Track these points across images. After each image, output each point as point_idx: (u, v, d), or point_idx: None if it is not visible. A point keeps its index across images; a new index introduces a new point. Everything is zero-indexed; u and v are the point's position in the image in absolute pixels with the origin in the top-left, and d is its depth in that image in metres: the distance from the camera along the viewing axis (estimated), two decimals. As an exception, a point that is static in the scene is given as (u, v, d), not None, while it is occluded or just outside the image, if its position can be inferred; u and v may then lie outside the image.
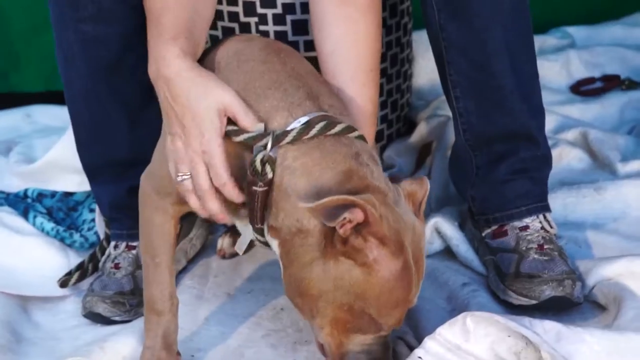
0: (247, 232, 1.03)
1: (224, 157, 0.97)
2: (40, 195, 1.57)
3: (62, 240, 1.46)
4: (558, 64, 2.06)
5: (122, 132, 1.28)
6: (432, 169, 1.64)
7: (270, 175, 0.95)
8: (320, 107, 1.00)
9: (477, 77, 1.21)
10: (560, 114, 1.80)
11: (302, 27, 1.49)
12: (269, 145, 0.95)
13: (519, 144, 1.26)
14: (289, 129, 0.96)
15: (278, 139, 0.95)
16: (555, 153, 1.61)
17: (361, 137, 1.00)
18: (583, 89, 1.98)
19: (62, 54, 1.25)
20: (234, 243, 1.46)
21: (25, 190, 1.59)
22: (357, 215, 0.88)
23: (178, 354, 1.11)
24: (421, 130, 1.74)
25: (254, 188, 0.96)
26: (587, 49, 2.12)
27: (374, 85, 1.14)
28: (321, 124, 0.96)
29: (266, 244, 1.01)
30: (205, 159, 0.97)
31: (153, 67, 1.03)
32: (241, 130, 0.97)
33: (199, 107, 0.97)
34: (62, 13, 1.22)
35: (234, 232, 1.47)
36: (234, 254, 1.45)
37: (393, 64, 1.71)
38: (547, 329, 0.97)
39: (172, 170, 1.01)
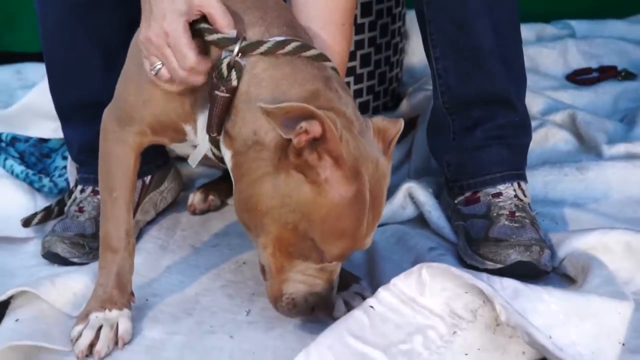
0: (203, 142, 1.01)
1: (188, 37, 0.93)
2: (14, 139, 1.56)
3: (31, 184, 1.44)
4: (555, 52, 2.03)
5: (96, 72, 1.25)
6: (414, 141, 1.61)
7: (234, 83, 0.93)
8: (297, 35, 0.99)
9: (457, 36, 1.19)
10: (551, 97, 1.77)
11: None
12: (236, 50, 0.93)
13: (497, 110, 1.23)
14: (263, 39, 0.95)
15: (250, 47, 0.94)
16: (541, 133, 1.59)
17: (334, 69, 0.99)
18: (579, 78, 1.95)
19: None
20: (205, 199, 1.44)
21: (0, 134, 1.57)
22: (315, 128, 0.86)
23: (132, 294, 1.08)
24: (407, 104, 1.72)
25: (216, 92, 0.93)
26: (586, 40, 2.09)
27: (344, 40, 1.12)
28: (296, 44, 0.95)
29: (220, 159, 0.99)
30: (170, 42, 0.93)
31: None
32: (214, 30, 0.95)
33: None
34: None
35: (206, 189, 1.45)
36: (205, 210, 1.43)
37: (383, 34, 1.69)
38: (504, 285, 0.94)
39: (146, 67, 0.97)
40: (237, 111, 0.94)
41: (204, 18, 0.95)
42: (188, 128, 1.02)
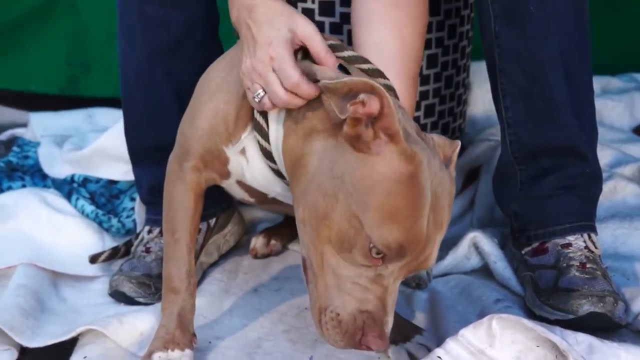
0: (256, 163, 1.02)
1: (292, 60, 0.94)
2: (86, 180, 1.61)
3: (100, 223, 1.48)
4: (622, 105, 2.00)
5: (171, 117, 1.28)
6: (477, 192, 1.59)
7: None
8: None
9: (529, 86, 1.18)
10: (619, 150, 1.73)
11: (330, 8, 1.50)
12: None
13: (567, 160, 1.21)
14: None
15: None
16: (609, 186, 1.55)
17: (392, 89, 1.01)
18: (646, 131, 1.91)
19: (122, 34, 1.28)
20: (267, 243, 1.45)
21: (73, 175, 1.63)
22: (373, 103, 0.83)
23: (194, 335, 1.08)
24: (470, 154, 1.71)
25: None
26: (654, 93, 2.05)
27: (413, 92, 1.13)
28: (365, 62, 1.01)
29: (276, 171, 0.99)
30: (274, 65, 0.94)
31: (235, 10, 1.02)
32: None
33: (273, 24, 0.96)
34: None
35: (268, 233, 1.46)
36: (266, 255, 1.44)
37: (447, 85, 1.70)
38: (579, 340, 0.91)
39: (249, 97, 0.98)
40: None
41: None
42: (231, 151, 1.02)
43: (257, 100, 0.97)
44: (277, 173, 1.00)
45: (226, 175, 1.06)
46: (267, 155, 0.99)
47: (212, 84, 1.05)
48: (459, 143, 0.97)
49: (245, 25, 0.99)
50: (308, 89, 0.93)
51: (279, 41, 0.95)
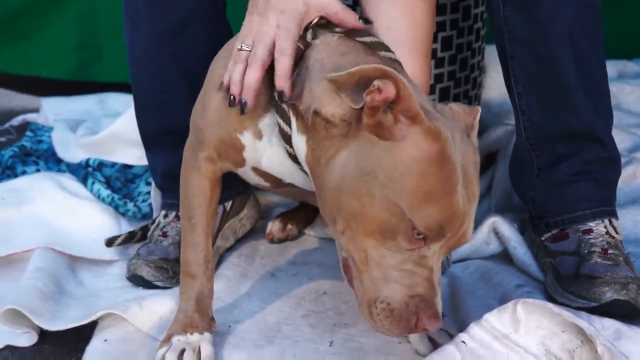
0: (272, 144, 1.00)
1: (295, 37, 0.95)
2: (101, 165, 1.60)
3: (116, 208, 1.48)
4: (638, 89, 1.98)
5: (180, 100, 1.27)
6: (494, 178, 1.58)
7: (309, 38, 0.96)
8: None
9: (540, 71, 1.17)
10: (637, 134, 1.71)
11: None
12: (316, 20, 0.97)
13: (582, 144, 1.20)
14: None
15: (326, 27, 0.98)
16: (629, 171, 1.53)
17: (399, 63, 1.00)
18: (663, 116, 1.89)
19: (128, 16, 1.27)
20: (283, 228, 1.44)
21: (87, 160, 1.62)
22: (388, 88, 0.82)
23: (212, 319, 1.08)
24: (486, 139, 1.69)
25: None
26: (671, 78, 2.03)
27: (427, 69, 1.11)
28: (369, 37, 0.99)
29: (294, 158, 0.97)
30: (278, 33, 0.95)
31: None
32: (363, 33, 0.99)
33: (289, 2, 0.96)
34: None
35: (284, 217, 1.46)
36: (283, 239, 1.44)
37: (462, 68, 1.68)
38: (606, 326, 0.90)
39: (236, 46, 0.98)
40: (305, 81, 0.93)
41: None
42: (247, 137, 1.01)
43: (238, 49, 0.97)
44: (294, 159, 0.99)
45: (241, 163, 1.05)
46: (287, 139, 0.98)
47: (221, 71, 1.03)
48: (479, 109, 0.96)
49: None
50: (286, 64, 0.94)
51: (291, 12, 0.95)
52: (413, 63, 1.06)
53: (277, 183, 1.09)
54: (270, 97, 0.98)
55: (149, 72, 1.28)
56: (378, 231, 0.85)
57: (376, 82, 0.82)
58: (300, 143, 0.95)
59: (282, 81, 0.95)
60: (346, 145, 0.87)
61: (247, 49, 0.97)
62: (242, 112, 0.97)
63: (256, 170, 1.06)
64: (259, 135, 1.01)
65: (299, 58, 0.95)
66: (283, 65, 0.95)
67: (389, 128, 0.84)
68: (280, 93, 0.95)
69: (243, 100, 0.96)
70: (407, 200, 0.83)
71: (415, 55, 1.08)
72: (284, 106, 0.96)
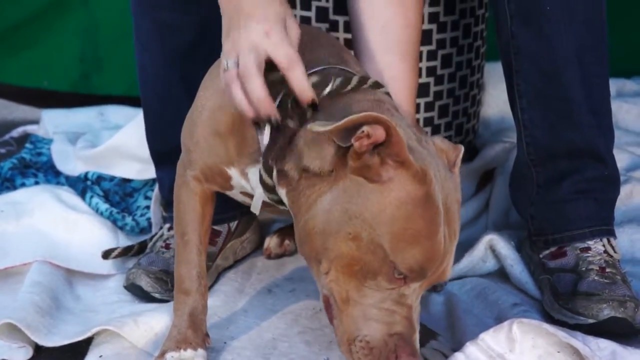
0: (258, 188, 0.99)
1: (289, 42, 0.90)
2: (100, 178, 1.61)
3: (114, 222, 1.48)
4: (637, 108, 1.99)
5: None
6: (492, 195, 1.58)
7: (308, 115, 0.91)
8: (350, 68, 1.00)
9: (545, 87, 1.17)
10: (635, 154, 1.72)
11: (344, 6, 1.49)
12: (328, 90, 0.92)
13: (584, 162, 1.20)
14: (327, 81, 0.93)
15: (319, 86, 0.93)
16: (626, 190, 1.54)
17: (387, 94, 0.98)
18: (661, 135, 1.89)
19: (138, 40, 1.29)
20: (281, 243, 1.44)
21: (86, 173, 1.62)
22: (378, 132, 0.82)
23: (207, 335, 1.08)
24: (484, 156, 1.69)
25: (288, 121, 0.91)
26: (669, 96, 2.04)
27: (415, 73, 1.13)
28: (356, 80, 0.94)
29: (278, 202, 0.96)
30: (272, 42, 0.89)
31: None
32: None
33: (269, 8, 0.91)
34: (140, 0, 1.25)
35: (281, 233, 1.46)
36: (280, 255, 1.44)
37: (462, 85, 1.69)
38: (601, 346, 0.90)
39: (221, 68, 0.94)
40: (291, 146, 0.91)
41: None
42: (233, 171, 1.01)
43: (224, 68, 0.92)
44: (279, 202, 0.99)
45: (229, 188, 1.06)
46: (270, 190, 0.96)
47: (204, 99, 1.02)
48: (462, 148, 0.96)
49: (232, 3, 0.94)
50: (298, 75, 0.89)
51: (276, 18, 0.91)
52: (404, 67, 1.08)
53: (265, 205, 1.09)
54: (258, 152, 0.96)
55: (160, 93, 1.29)
56: (360, 271, 0.85)
57: (365, 128, 0.82)
58: (281, 194, 0.95)
59: (307, 92, 0.90)
60: (329, 189, 0.87)
61: (233, 66, 0.92)
62: (277, 125, 0.92)
63: (245, 194, 1.07)
64: (245, 177, 1.01)
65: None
66: (299, 75, 0.90)
67: (376, 170, 0.84)
68: (314, 104, 0.91)
69: (266, 117, 0.92)
70: (391, 242, 0.84)
71: (408, 59, 1.10)
72: (270, 162, 0.94)
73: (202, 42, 1.24)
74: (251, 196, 1.06)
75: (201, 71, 1.23)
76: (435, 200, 0.85)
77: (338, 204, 0.85)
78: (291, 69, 0.90)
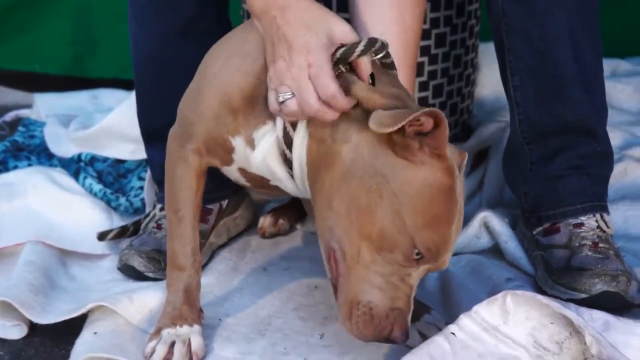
0: (264, 145, 0.99)
1: (331, 69, 0.91)
2: (93, 159, 1.60)
3: (108, 202, 1.48)
4: (631, 87, 1.99)
5: None
6: (486, 174, 1.58)
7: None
8: None
9: (537, 64, 1.17)
10: (628, 132, 1.72)
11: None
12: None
13: (577, 138, 1.20)
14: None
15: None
16: (620, 168, 1.54)
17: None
18: (655, 114, 1.90)
19: (133, 17, 1.27)
20: (275, 223, 1.44)
21: (80, 154, 1.62)
22: (428, 123, 0.86)
23: (201, 311, 1.08)
24: (479, 135, 1.70)
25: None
26: (663, 76, 2.04)
27: (412, 80, 1.13)
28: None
29: (284, 158, 0.98)
30: (312, 72, 0.91)
31: (260, 2, 0.96)
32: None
33: (311, 29, 0.92)
34: None
35: (275, 212, 1.46)
36: (274, 234, 1.44)
37: (456, 65, 1.68)
38: (594, 317, 0.90)
39: (271, 99, 0.95)
40: None
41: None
42: (238, 141, 1.01)
43: (280, 100, 0.93)
44: (289, 164, 0.99)
45: (229, 162, 1.05)
46: (288, 143, 0.97)
47: (215, 68, 1.02)
48: (466, 154, 1.00)
49: (275, 25, 0.95)
50: (343, 102, 0.91)
51: (318, 48, 0.91)
52: (400, 74, 1.06)
53: (259, 184, 1.09)
54: (266, 114, 0.97)
55: (154, 71, 1.28)
56: (377, 237, 0.87)
57: (422, 118, 0.86)
58: (304, 137, 0.95)
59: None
60: (360, 127, 0.90)
61: (288, 96, 0.93)
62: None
63: (242, 171, 1.06)
64: (251, 144, 1.00)
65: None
66: (340, 104, 0.92)
67: (412, 151, 0.88)
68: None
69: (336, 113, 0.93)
70: (412, 217, 0.86)
71: (403, 66, 1.09)
72: (289, 129, 0.96)
73: (199, 20, 1.23)
74: (248, 175, 1.05)
75: (197, 48, 1.22)
76: (456, 194, 0.89)
77: (364, 151, 0.88)
78: (331, 100, 0.91)
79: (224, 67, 1.01)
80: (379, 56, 0.96)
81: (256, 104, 0.98)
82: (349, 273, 0.89)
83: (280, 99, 0.93)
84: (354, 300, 0.89)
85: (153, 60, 1.27)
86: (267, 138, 0.99)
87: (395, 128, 0.85)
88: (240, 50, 1.00)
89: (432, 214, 0.87)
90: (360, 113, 0.91)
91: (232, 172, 1.08)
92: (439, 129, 0.87)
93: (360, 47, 0.93)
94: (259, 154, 1.00)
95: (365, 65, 0.94)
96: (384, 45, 0.96)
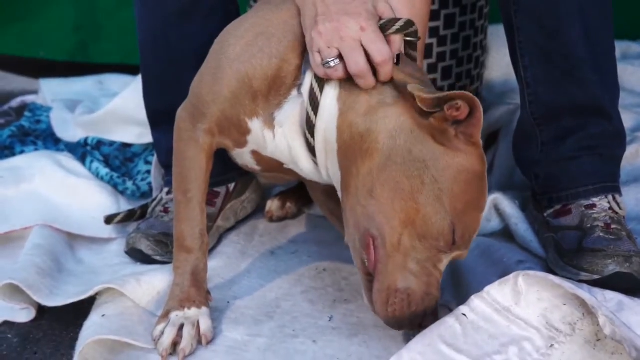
0: (285, 128, 1.00)
1: (383, 35, 0.94)
2: (100, 143, 1.59)
3: (115, 186, 1.47)
4: (641, 70, 1.96)
5: (189, 79, 1.23)
6: (496, 156, 1.57)
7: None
8: None
9: (547, 43, 1.15)
10: (639, 114, 1.70)
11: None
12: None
13: (589, 119, 1.18)
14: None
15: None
16: (631, 150, 1.52)
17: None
18: (667, 96, 1.87)
19: None
20: (282, 206, 1.43)
21: (86, 138, 1.61)
22: (465, 110, 0.88)
23: (208, 293, 1.07)
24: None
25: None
26: (674, 58, 2.01)
27: (420, 64, 1.12)
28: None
29: (310, 148, 0.98)
30: (366, 36, 0.93)
31: None
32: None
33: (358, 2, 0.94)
34: None
35: (283, 196, 1.45)
36: (282, 218, 1.43)
37: (465, 46, 1.66)
38: (608, 298, 0.89)
39: (316, 60, 0.95)
40: None
41: None
42: (255, 123, 1.00)
43: (329, 65, 0.94)
44: (310, 149, 0.98)
45: (242, 144, 1.04)
46: (310, 130, 0.97)
47: (237, 48, 1.00)
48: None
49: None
50: (389, 70, 0.94)
51: (369, 15, 0.94)
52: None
53: (270, 168, 1.07)
54: (296, 86, 0.97)
55: (158, 52, 1.27)
56: (421, 223, 0.88)
57: (460, 102, 0.87)
58: (332, 107, 0.96)
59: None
60: (397, 112, 0.91)
61: (333, 60, 0.94)
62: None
63: (255, 153, 1.05)
64: (270, 125, 0.99)
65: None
66: (387, 72, 0.94)
67: (449, 137, 0.89)
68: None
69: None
70: (452, 203, 0.88)
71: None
72: (317, 90, 0.96)
73: (203, 0, 1.21)
74: (261, 158, 1.04)
75: (201, 30, 1.21)
76: (486, 181, 0.92)
77: (402, 138, 0.90)
78: (384, 65, 0.94)
79: (246, 48, 1.00)
80: (408, 39, 0.97)
81: (280, 85, 0.98)
82: (388, 260, 0.90)
83: (328, 62, 0.94)
84: (392, 287, 0.90)
85: (157, 42, 1.26)
86: (291, 109, 0.98)
87: (439, 103, 0.87)
88: (265, 31, 0.99)
89: (467, 200, 0.89)
90: (391, 95, 0.92)
91: (243, 154, 1.07)
92: (475, 117, 0.88)
93: (399, 24, 0.95)
94: (279, 133, 0.99)
95: (396, 43, 0.96)
96: (417, 32, 0.97)
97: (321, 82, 0.96)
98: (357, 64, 0.93)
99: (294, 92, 0.98)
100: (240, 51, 1.00)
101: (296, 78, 0.98)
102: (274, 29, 0.99)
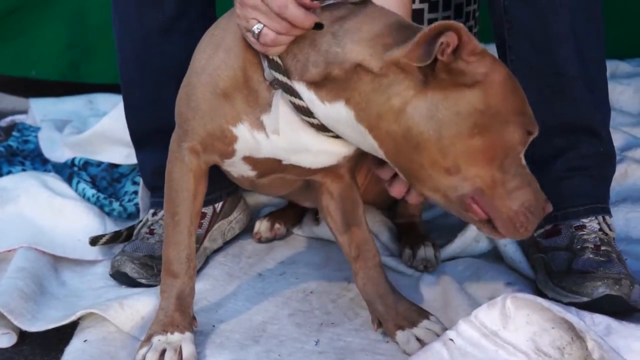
0: (281, 121, 0.97)
1: None
2: (87, 164, 1.58)
3: (101, 207, 1.45)
4: (631, 89, 1.98)
5: (170, 98, 1.23)
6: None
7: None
8: None
9: (539, 61, 1.15)
10: (629, 133, 1.70)
11: None
12: None
13: (579, 138, 1.18)
14: None
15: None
16: (621, 170, 1.52)
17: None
18: (656, 116, 1.88)
19: (117, 16, 1.26)
20: (271, 227, 1.42)
21: (73, 159, 1.60)
22: (453, 38, 0.85)
23: (194, 318, 1.06)
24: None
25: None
26: (664, 77, 2.02)
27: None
28: None
29: (318, 126, 0.95)
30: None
31: None
32: None
33: None
34: None
35: (272, 217, 1.44)
36: (270, 239, 1.42)
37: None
38: (596, 321, 0.88)
39: (249, 39, 0.94)
40: (319, 50, 0.91)
41: None
42: (241, 129, 0.98)
43: (256, 34, 0.92)
44: (321, 128, 0.95)
45: (230, 154, 1.02)
46: (306, 113, 0.94)
47: (202, 61, 1.00)
48: None
49: None
50: (296, 13, 0.90)
51: None
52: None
53: (268, 170, 1.05)
54: (270, 83, 0.95)
55: (139, 72, 1.26)
56: (502, 154, 0.89)
57: (442, 39, 0.85)
58: (337, 109, 0.92)
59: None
60: (415, 97, 0.88)
61: (256, 27, 0.92)
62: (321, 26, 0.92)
63: (248, 159, 1.03)
64: (259, 127, 0.97)
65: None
66: (293, 16, 0.90)
67: (469, 71, 0.87)
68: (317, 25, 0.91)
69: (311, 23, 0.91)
70: (515, 117, 0.89)
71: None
72: (289, 83, 0.93)
73: (182, 18, 1.22)
74: (255, 162, 1.02)
75: (181, 48, 1.20)
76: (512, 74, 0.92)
77: (443, 109, 0.88)
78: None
79: (210, 60, 0.99)
80: None
81: (252, 85, 0.96)
82: (494, 199, 0.90)
83: (253, 32, 0.92)
84: (510, 215, 0.90)
85: (137, 60, 1.26)
86: (275, 105, 0.96)
87: (409, 48, 0.85)
88: (222, 41, 0.99)
89: (516, 99, 0.90)
90: (392, 73, 0.88)
91: (235, 164, 1.04)
92: (461, 36, 0.85)
93: None
94: (282, 124, 0.97)
95: None
96: None
97: (276, 64, 0.93)
98: (274, 24, 0.90)
99: (270, 90, 0.96)
100: (205, 64, 0.99)
101: (262, 74, 0.96)
102: (231, 35, 0.98)
